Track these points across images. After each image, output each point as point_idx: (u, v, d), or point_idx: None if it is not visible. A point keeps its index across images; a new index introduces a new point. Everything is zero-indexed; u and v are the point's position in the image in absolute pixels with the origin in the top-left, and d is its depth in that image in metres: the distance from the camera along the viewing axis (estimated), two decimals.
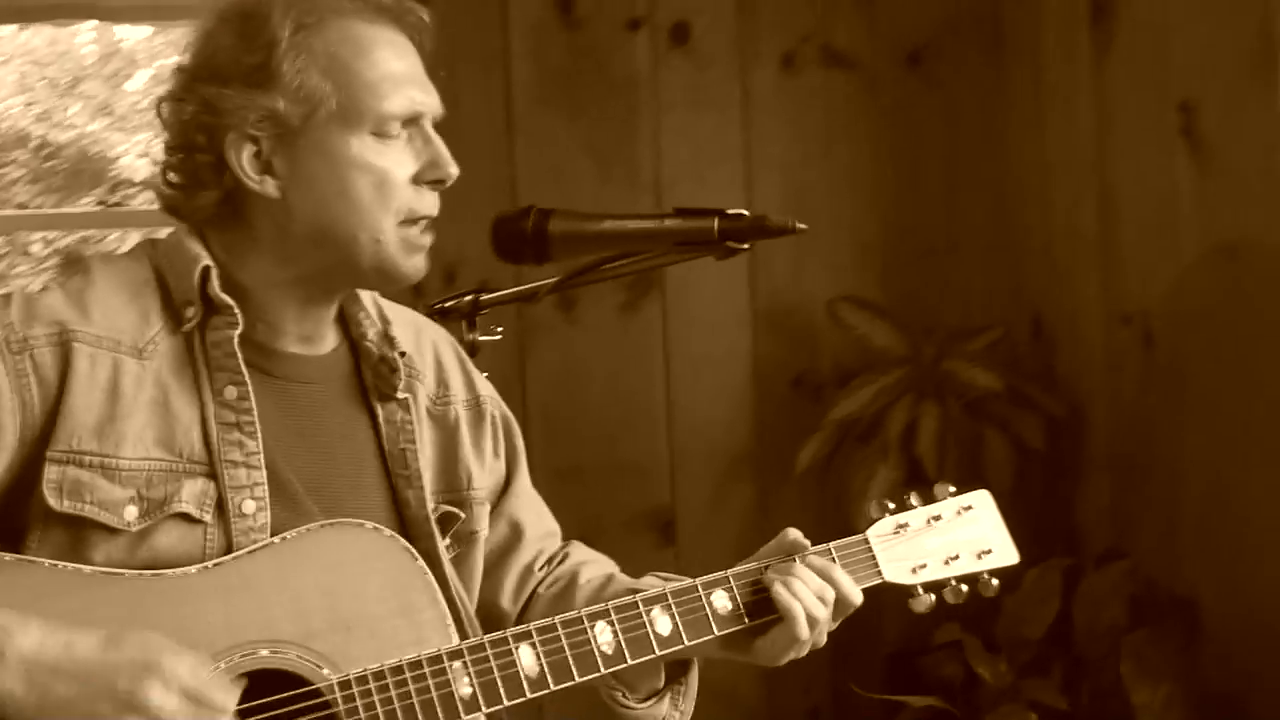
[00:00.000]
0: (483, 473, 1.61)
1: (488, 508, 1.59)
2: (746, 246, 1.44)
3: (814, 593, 1.47)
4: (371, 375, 1.50)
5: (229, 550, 1.34)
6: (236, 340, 1.37)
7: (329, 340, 1.49)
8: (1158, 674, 2.46)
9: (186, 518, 1.33)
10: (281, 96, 1.34)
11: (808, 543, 1.53)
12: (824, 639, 1.50)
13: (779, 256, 3.16)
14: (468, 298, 1.85)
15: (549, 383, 3.13)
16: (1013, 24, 3.22)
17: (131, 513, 1.31)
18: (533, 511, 1.67)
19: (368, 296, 1.53)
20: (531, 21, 3.14)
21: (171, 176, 1.41)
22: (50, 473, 1.29)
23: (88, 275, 1.38)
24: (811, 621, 1.46)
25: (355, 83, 1.36)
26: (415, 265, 1.42)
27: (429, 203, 1.41)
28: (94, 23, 4.38)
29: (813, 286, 3.20)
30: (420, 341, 1.58)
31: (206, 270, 1.37)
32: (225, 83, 1.35)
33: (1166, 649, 2.50)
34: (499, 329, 1.87)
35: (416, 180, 1.40)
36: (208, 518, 1.34)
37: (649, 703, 1.53)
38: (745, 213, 1.44)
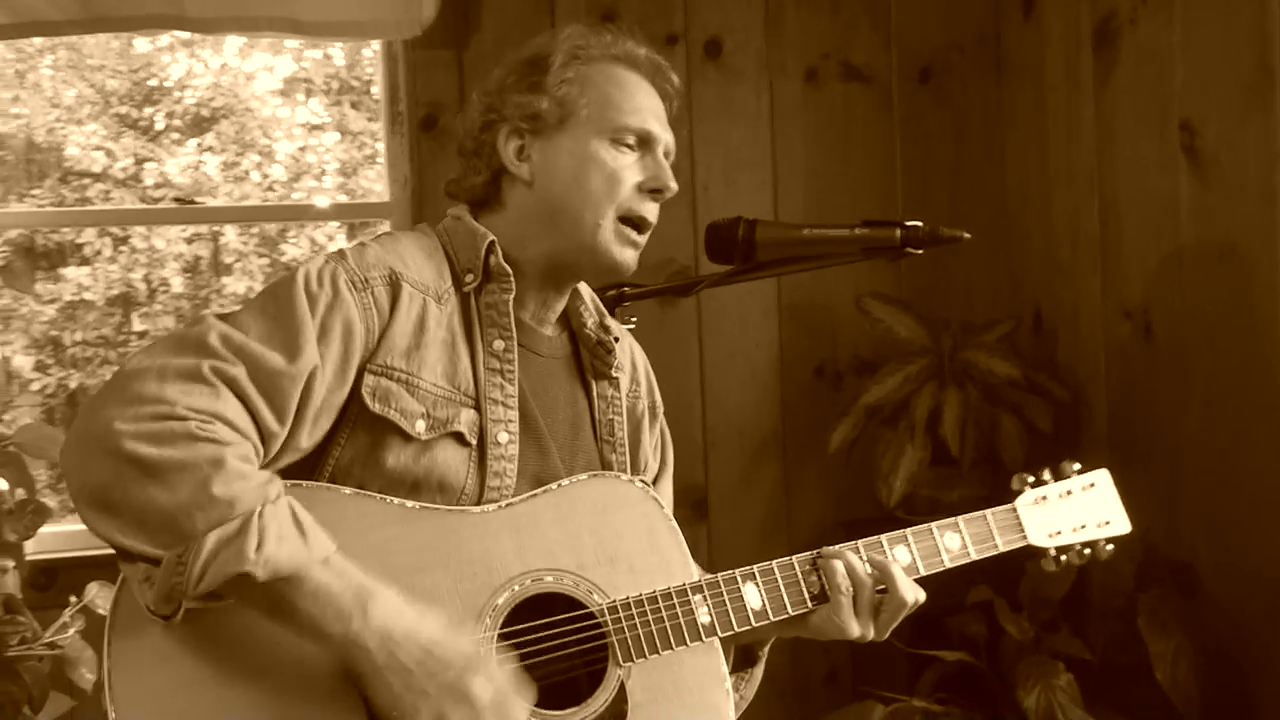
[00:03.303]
0: (650, 465, 1.91)
1: None
2: (921, 252, 1.72)
3: (858, 579, 1.70)
4: (589, 356, 1.79)
5: (484, 472, 1.61)
6: (510, 303, 1.65)
7: (552, 327, 1.77)
8: (1168, 627, 2.76)
9: (459, 438, 1.61)
10: (546, 100, 1.66)
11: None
12: (885, 631, 1.73)
13: None
14: (610, 291, 2.10)
15: None
16: (1016, 47, 3.54)
17: (421, 426, 1.58)
18: None
19: (587, 295, 1.82)
20: None
21: (461, 175, 1.74)
22: (368, 381, 1.56)
23: (393, 237, 1.68)
24: (855, 604, 1.70)
25: (604, 100, 1.67)
26: (627, 257, 1.70)
27: (648, 208, 1.69)
28: None
29: (832, 283, 3.49)
30: (623, 341, 1.86)
31: (492, 244, 1.66)
32: (507, 92, 1.69)
33: (1174, 606, 2.82)
34: (634, 319, 2.12)
35: (640, 187, 1.68)
36: (473, 441, 1.62)
37: None
38: (921, 224, 1.72)
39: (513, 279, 1.65)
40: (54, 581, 3.02)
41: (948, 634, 3.09)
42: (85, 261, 8.07)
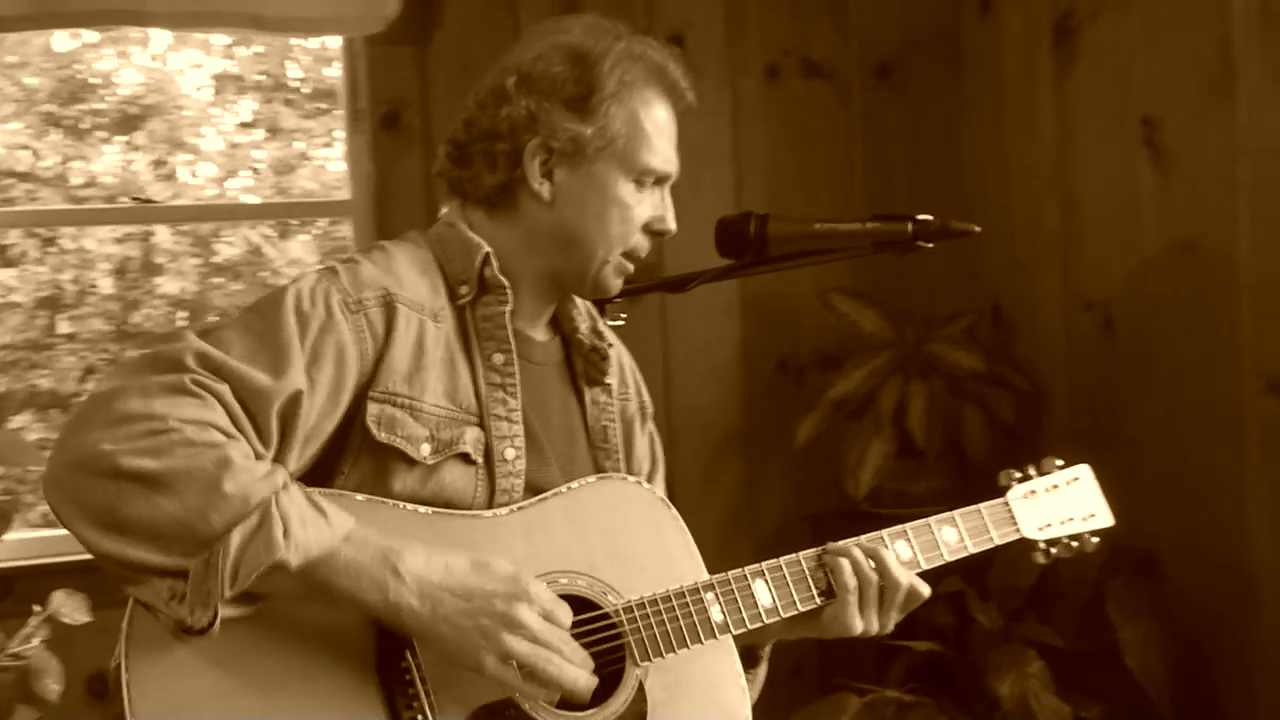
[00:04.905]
0: (644, 467, 1.90)
1: None
2: (931, 245, 1.73)
3: (863, 575, 1.69)
4: (582, 362, 1.78)
5: (493, 489, 1.60)
6: (508, 315, 1.62)
7: (544, 332, 1.76)
8: (1137, 613, 2.81)
9: (466, 458, 1.59)
10: (590, 127, 1.61)
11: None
12: (889, 624, 1.72)
13: None
14: None
15: None
16: (973, 42, 3.58)
17: (426, 449, 1.55)
18: None
19: (580, 299, 1.80)
20: None
21: (465, 155, 1.66)
22: (371, 409, 1.53)
23: (385, 251, 1.62)
24: (861, 599, 1.69)
25: (640, 139, 1.64)
26: (616, 285, 1.72)
27: (646, 246, 1.70)
28: None
29: (794, 277, 3.45)
30: (614, 345, 1.85)
31: (487, 256, 1.62)
32: (548, 99, 1.61)
33: (1141, 592, 2.87)
34: (623, 315, 2.11)
35: (646, 227, 1.69)
36: (479, 460, 1.60)
37: None
38: (931, 218, 1.73)
39: (509, 291, 1.63)
40: (10, 591, 2.95)
41: (915, 624, 3.11)
42: (10, 263, 7.89)
